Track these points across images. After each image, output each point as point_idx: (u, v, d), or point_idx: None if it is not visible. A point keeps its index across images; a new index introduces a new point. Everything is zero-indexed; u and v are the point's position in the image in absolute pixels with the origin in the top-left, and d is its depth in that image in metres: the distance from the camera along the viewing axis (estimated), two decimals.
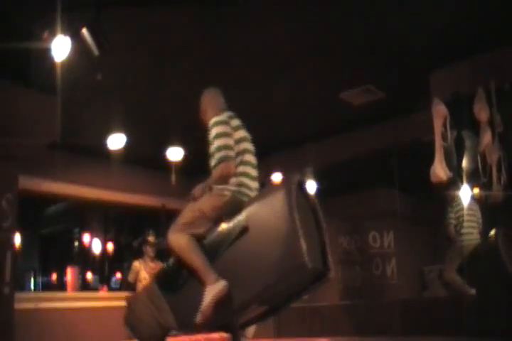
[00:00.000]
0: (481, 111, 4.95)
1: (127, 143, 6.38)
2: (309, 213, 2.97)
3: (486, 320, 4.36)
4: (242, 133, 3.14)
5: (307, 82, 5.35)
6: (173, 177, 6.97)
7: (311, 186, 8.27)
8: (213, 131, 3.06)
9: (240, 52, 4.75)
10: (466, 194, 5.63)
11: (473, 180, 5.44)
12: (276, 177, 7.55)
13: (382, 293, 8.63)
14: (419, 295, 7.65)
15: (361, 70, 5.21)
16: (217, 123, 3.07)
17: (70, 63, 4.13)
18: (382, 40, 4.65)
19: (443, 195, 5.92)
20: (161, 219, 8.16)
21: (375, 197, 8.47)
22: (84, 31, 3.66)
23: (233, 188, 3.01)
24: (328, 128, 6.28)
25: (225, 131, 3.04)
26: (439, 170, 5.12)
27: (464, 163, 5.32)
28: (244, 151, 3.10)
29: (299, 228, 2.69)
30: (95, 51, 3.76)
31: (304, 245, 2.65)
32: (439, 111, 5.14)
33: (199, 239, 2.94)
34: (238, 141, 3.08)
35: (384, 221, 8.73)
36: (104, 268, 9.42)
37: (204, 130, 3.23)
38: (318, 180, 7.85)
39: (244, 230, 2.81)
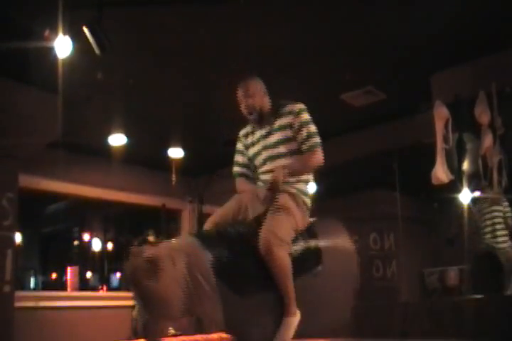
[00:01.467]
0: (482, 114, 4.95)
1: (128, 142, 6.38)
2: None
3: (485, 323, 4.34)
4: None
5: (308, 82, 5.33)
6: (174, 177, 6.98)
7: (312, 187, 8.28)
8: (305, 116, 2.88)
9: (241, 52, 4.74)
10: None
11: (474, 183, 5.43)
12: None
13: (382, 295, 8.61)
14: (421, 298, 7.63)
15: (362, 72, 5.19)
16: (305, 110, 2.92)
17: (71, 62, 4.14)
18: (384, 41, 4.63)
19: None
20: (161, 219, 8.16)
21: (376, 199, 8.45)
22: (85, 30, 3.65)
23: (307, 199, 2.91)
24: (329, 129, 6.17)
25: (311, 119, 2.94)
26: (441, 173, 5.11)
27: (465, 165, 5.31)
28: None
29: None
30: (96, 50, 3.75)
31: None
32: (441, 114, 5.13)
33: None
34: None
35: (385, 223, 8.71)
36: (104, 267, 9.44)
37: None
38: (319, 181, 7.83)
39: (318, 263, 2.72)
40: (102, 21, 3.66)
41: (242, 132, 3.13)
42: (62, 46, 3.81)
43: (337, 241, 2.88)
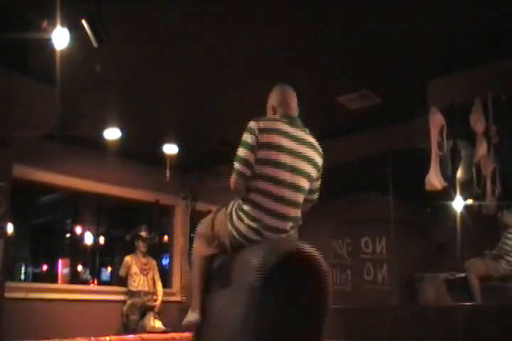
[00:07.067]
0: (477, 122, 4.95)
1: (123, 136, 6.38)
2: None
3: (475, 330, 4.35)
4: None
5: (304, 84, 5.30)
6: (168, 173, 6.98)
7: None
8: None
9: (239, 53, 4.73)
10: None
11: (468, 191, 5.44)
12: None
13: (372, 298, 8.63)
14: (410, 302, 7.65)
15: (359, 75, 5.20)
16: None
17: (68, 53, 4.14)
18: (382, 45, 4.64)
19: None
20: (154, 214, 8.16)
21: (369, 203, 8.45)
22: (83, 22, 3.64)
23: None
24: (324, 131, 6.17)
25: None
26: (434, 179, 5.11)
27: (459, 173, 5.31)
28: None
29: None
30: (93, 43, 3.74)
31: None
32: (436, 120, 5.14)
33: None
34: None
35: (377, 227, 8.71)
36: (95, 261, 9.43)
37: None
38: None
39: None
40: (101, 13, 3.65)
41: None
42: (60, 37, 3.81)
43: None
